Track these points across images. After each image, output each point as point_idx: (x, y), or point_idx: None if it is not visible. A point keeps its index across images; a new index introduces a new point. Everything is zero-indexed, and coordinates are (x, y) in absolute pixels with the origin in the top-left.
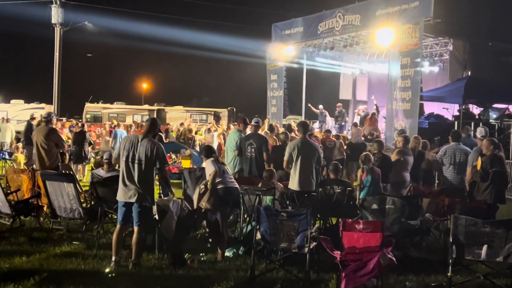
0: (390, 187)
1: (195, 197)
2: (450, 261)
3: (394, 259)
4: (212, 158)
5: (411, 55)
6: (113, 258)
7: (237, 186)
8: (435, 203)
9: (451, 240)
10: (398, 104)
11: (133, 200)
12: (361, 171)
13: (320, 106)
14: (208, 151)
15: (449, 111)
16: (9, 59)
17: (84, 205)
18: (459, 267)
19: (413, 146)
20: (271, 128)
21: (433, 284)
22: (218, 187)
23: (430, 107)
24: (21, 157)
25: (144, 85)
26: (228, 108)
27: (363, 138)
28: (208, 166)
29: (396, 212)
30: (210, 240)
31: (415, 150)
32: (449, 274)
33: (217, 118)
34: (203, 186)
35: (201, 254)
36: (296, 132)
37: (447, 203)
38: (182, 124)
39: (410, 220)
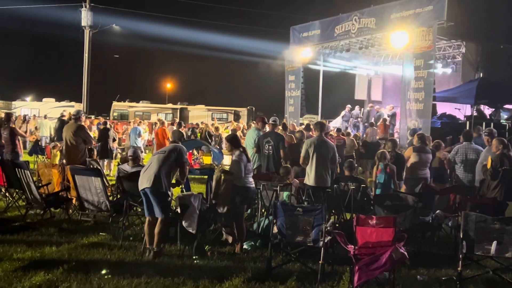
0: (403, 184)
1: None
2: (461, 256)
3: (406, 253)
4: (238, 153)
5: (424, 57)
6: (147, 246)
7: (253, 185)
8: (446, 200)
9: (461, 236)
10: (411, 104)
11: (148, 185)
12: (376, 168)
13: (348, 106)
14: (235, 140)
15: (461, 111)
16: (41, 59)
17: (110, 198)
18: (469, 262)
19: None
20: (285, 126)
21: (443, 278)
22: (240, 185)
23: (443, 108)
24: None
25: (168, 85)
26: (248, 107)
27: (378, 138)
28: (235, 165)
29: (408, 208)
30: (224, 234)
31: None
32: (459, 268)
33: (237, 116)
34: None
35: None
36: (313, 131)
37: (458, 200)
38: (202, 122)
39: (422, 216)
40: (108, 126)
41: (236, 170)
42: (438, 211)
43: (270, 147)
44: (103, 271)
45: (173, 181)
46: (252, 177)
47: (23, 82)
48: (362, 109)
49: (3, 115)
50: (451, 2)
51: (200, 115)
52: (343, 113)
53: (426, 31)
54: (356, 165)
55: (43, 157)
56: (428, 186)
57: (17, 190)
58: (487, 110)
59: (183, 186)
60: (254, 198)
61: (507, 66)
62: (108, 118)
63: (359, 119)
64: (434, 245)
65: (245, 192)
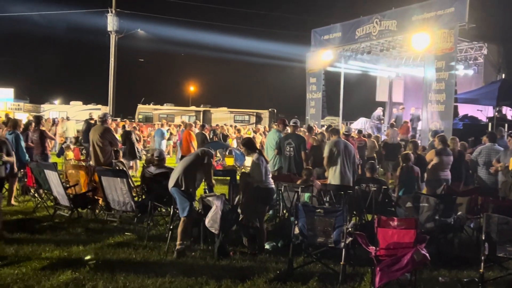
0: (425, 185)
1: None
2: (483, 257)
3: (427, 255)
4: (257, 156)
5: (445, 58)
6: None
7: (273, 186)
8: (468, 202)
9: (483, 238)
10: (433, 106)
11: (172, 185)
12: (400, 170)
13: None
14: (250, 144)
15: (483, 113)
16: (68, 64)
17: (135, 199)
18: (491, 263)
19: (451, 147)
20: (310, 128)
21: (465, 280)
22: (261, 187)
23: (465, 109)
24: (71, 154)
25: (192, 88)
26: (269, 110)
27: (398, 139)
28: (256, 168)
29: (430, 209)
30: (243, 237)
31: (454, 150)
32: (481, 270)
33: (259, 119)
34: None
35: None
36: (331, 136)
37: (480, 201)
38: (217, 125)
39: (444, 217)
40: (127, 128)
41: (257, 173)
42: (460, 213)
43: (291, 148)
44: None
45: (202, 185)
46: (273, 178)
47: (52, 86)
48: (383, 110)
49: (31, 118)
50: (473, 4)
51: (222, 117)
52: (374, 114)
53: (447, 33)
54: (377, 166)
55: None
56: (450, 188)
57: (45, 191)
58: (509, 112)
59: (205, 187)
60: (273, 199)
61: None
62: (133, 120)
63: (381, 120)
64: (456, 246)
65: (267, 193)
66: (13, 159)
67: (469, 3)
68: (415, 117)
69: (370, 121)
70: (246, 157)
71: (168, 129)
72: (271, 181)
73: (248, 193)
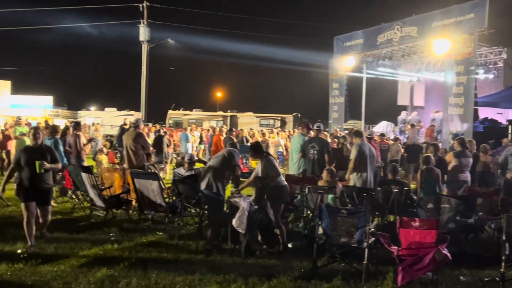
0: (446, 187)
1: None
2: (503, 257)
3: (449, 254)
4: (267, 157)
5: (465, 63)
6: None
7: (286, 183)
8: (489, 203)
9: (504, 238)
10: (453, 109)
11: (203, 187)
12: (421, 172)
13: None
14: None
15: (503, 115)
16: (103, 72)
17: (166, 200)
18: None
19: (468, 150)
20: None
21: (486, 279)
22: (276, 185)
23: (485, 112)
24: (104, 158)
25: (219, 94)
26: (293, 114)
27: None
28: (271, 167)
29: (451, 210)
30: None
31: (470, 152)
32: (502, 269)
33: (283, 123)
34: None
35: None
36: (354, 138)
37: (500, 202)
38: (251, 129)
39: (464, 218)
40: (161, 133)
41: (273, 170)
42: (480, 213)
43: (315, 151)
44: None
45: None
46: (297, 180)
47: (88, 93)
48: (407, 113)
49: (69, 124)
50: (492, 9)
51: (248, 122)
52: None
53: (467, 38)
54: (399, 168)
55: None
56: (471, 189)
57: (82, 193)
58: None
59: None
60: (287, 198)
61: None
62: (164, 125)
63: (405, 124)
64: (477, 246)
65: (281, 190)
66: (59, 165)
67: (488, 9)
68: (438, 120)
69: (398, 124)
70: (251, 160)
71: (200, 134)
72: (283, 178)
73: (263, 194)
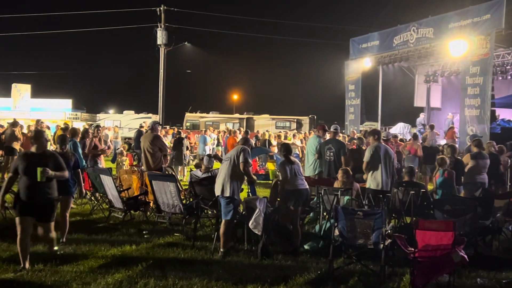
0: (463, 188)
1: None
2: None
3: (465, 256)
4: (284, 159)
5: (481, 64)
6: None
7: (306, 187)
8: (506, 204)
9: None
10: (469, 110)
11: (219, 192)
12: (436, 173)
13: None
14: (284, 149)
15: None
16: (122, 76)
17: (184, 201)
18: None
19: (487, 151)
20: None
21: (504, 281)
22: (289, 188)
23: (503, 113)
24: (125, 160)
25: (235, 96)
26: (310, 116)
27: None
28: (281, 169)
29: (468, 212)
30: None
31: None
32: None
33: (299, 125)
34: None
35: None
36: (371, 139)
37: None
38: (267, 131)
39: (482, 220)
40: (182, 135)
41: (282, 172)
42: (498, 215)
43: (332, 153)
44: None
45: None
46: (313, 182)
47: (106, 97)
48: (425, 115)
49: (87, 127)
50: (509, 10)
51: (265, 123)
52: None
53: (484, 39)
54: (416, 170)
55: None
56: (488, 191)
57: (101, 194)
58: None
59: (249, 190)
60: (307, 200)
61: None
62: (181, 128)
63: (424, 126)
64: (495, 248)
65: (297, 194)
66: (65, 173)
67: (505, 10)
68: (449, 122)
69: (417, 126)
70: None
71: (217, 136)
72: (301, 182)
73: (279, 196)
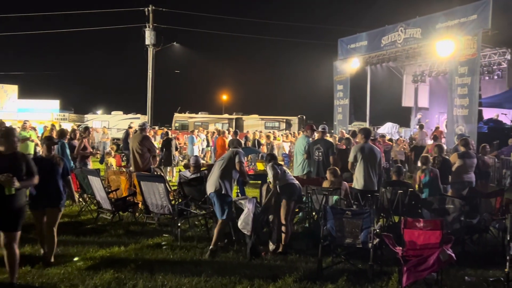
0: (450, 187)
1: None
2: (508, 257)
3: (453, 255)
4: (271, 163)
5: (469, 64)
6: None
7: (298, 183)
8: (493, 203)
9: (508, 238)
10: (457, 110)
11: (212, 190)
12: (420, 172)
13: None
14: (269, 158)
15: (507, 116)
16: (110, 76)
17: (173, 202)
18: None
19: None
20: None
21: (491, 279)
22: (281, 185)
23: (489, 113)
24: (112, 161)
25: (224, 97)
26: (299, 116)
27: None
28: (269, 170)
29: (455, 211)
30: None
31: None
32: (506, 269)
33: (288, 125)
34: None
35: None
36: (359, 137)
37: (505, 203)
38: (257, 131)
39: (469, 218)
40: (170, 136)
41: (272, 171)
42: (485, 214)
43: (320, 153)
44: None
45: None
46: (302, 182)
47: (94, 97)
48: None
49: (75, 127)
50: (496, 10)
51: (254, 124)
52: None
53: (471, 40)
54: (404, 170)
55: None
56: (475, 190)
57: (89, 196)
58: None
59: (238, 191)
60: (300, 195)
61: None
62: (170, 128)
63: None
64: (482, 247)
65: (290, 188)
66: (34, 180)
67: (492, 10)
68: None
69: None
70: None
71: (206, 136)
72: (292, 177)
73: (270, 194)
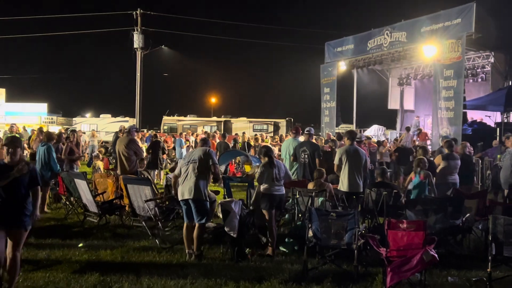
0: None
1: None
2: (490, 257)
3: (436, 255)
4: (267, 161)
5: (454, 67)
6: (187, 251)
7: (281, 193)
8: (476, 204)
9: (490, 238)
10: (442, 112)
11: (190, 196)
12: (413, 174)
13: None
14: (265, 152)
15: (491, 118)
16: (98, 79)
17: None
18: (498, 263)
19: (460, 152)
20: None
21: (474, 279)
22: (264, 192)
23: (473, 115)
24: (100, 164)
25: (213, 100)
26: (286, 119)
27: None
28: (259, 172)
29: (439, 212)
30: (263, 238)
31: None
32: (489, 269)
33: (277, 127)
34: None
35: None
36: (345, 139)
37: (488, 204)
38: (244, 133)
39: (452, 219)
40: (158, 139)
41: (258, 175)
42: (468, 215)
43: (306, 155)
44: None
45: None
46: (288, 184)
47: (83, 100)
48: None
49: (63, 131)
50: (479, 15)
51: (242, 126)
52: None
53: (455, 43)
54: (390, 170)
55: (91, 169)
56: (458, 191)
57: (76, 199)
58: None
59: (225, 193)
60: (281, 204)
61: None
62: (159, 131)
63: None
64: (465, 247)
65: (269, 198)
66: (38, 198)
67: (475, 14)
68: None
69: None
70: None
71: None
72: (277, 188)
73: (257, 200)
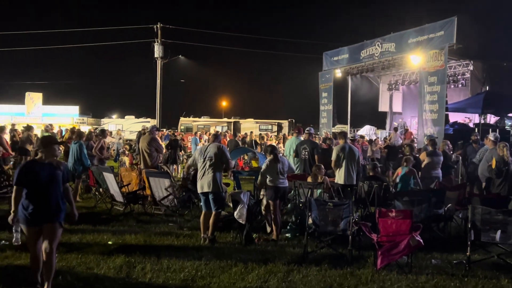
0: (420, 182)
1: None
2: (469, 242)
3: (421, 241)
4: (272, 157)
5: (437, 74)
6: (202, 235)
7: (285, 185)
8: (457, 195)
9: (469, 226)
10: (427, 114)
11: (209, 189)
12: (400, 169)
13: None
14: (271, 150)
15: (470, 119)
16: (124, 84)
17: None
18: (476, 248)
19: (442, 149)
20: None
21: (454, 262)
22: (270, 185)
23: (454, 117)
24: (126, 159)
25: (224, 103)
26: (289, 120)
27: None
28: (265, 167)
29: (424, 202)
30: (268, 225)
31: (445, 152)
32: (468, 253)
33: (280, 127)
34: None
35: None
36: (339, 139)
37: (467, 195)
38: (251, 132)
39: (435, 209)
40: (177, 137)
41: (264, 170)
42: (449, 205)
43: (306, 152)
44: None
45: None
46: (290, 177)
47: (110, 103)
48: (402, 119)
49: (93, 130)
50: (460, 27)
51: (250, 126)
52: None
53: (438, 53)
54: (380, 165)
55: (118, 163)
56: (441, 184)
57: (104, 190)
58: (493, 118)
59: (235, 185)
60: (285, 195)
61: (510, 80)
62: (176, 130)
63: (407, 130)
64: (447, 233)
65: (274, 190)
66: (70, 195)
67: (456, 27)
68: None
69: (399, 128)
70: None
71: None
72: (281, 181)
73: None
